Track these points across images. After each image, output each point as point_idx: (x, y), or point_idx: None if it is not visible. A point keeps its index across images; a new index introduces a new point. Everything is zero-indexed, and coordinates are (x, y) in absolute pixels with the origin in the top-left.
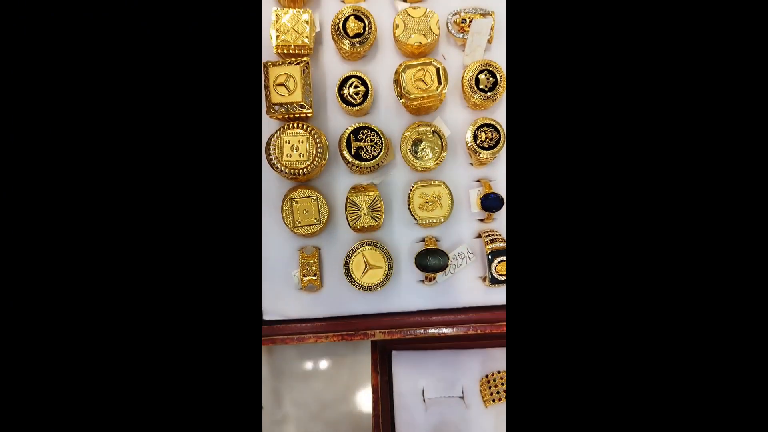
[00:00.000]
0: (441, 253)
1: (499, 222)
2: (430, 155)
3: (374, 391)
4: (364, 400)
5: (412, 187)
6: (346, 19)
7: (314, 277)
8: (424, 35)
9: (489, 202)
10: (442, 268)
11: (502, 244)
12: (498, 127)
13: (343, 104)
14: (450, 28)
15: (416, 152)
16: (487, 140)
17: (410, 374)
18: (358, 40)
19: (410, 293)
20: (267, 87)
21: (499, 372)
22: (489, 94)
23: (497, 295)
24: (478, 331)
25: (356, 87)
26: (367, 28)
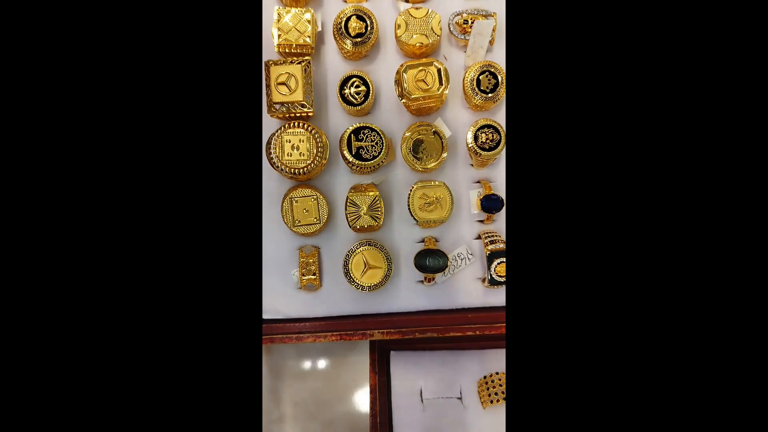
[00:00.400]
0: (440, 254)
1: (498, 223)
2: (431, 156)
3: (372, 391)
4: (361, 399)
5: (413, 187)
6: (348, 18)
7: (313, 277)
8: (425, 36)
9: (489, 204)
10: (441, 268)
11: (502, 246)
12: (499, 128)
13: (344, 104)
14: (452, 29)
15: (417, 153)
16: (488, 141)
17: (408, 374)
18: (359, 39)
19: (409, 294)
20: (268, 86)
21: (497, 373)
22: (490, 95)
23: (496, 297)
24: (477, 333)
25: (357, 87)
26: (368, 28)
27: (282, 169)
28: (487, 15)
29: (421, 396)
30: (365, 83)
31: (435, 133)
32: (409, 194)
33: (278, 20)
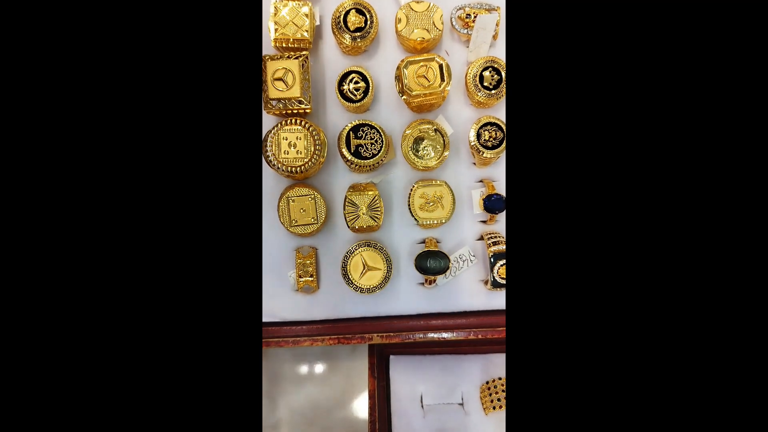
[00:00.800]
0: (442, 255)
1: (502, 224)
2: (432, 154)
3: (371, 397)
4: (360, 405)
5: (413, 186)
6: (347, 12)
7: (311, 278)
8: (427, 30)
9: (492, 203)
10: (442, 270)
11: (505, 247)
12: (502, 125)
13: (342, 100)
14: (454, 24)
15: (417, 151)
16: (491, 139)
17: (408, 379)
18: (359, 34)
19: (409, 296)
20: (265, 81)
21: (500, 378)
22: (493, 91)
23: (499, 299)
24: (479, 336)
25: (356, 83)
26: (368, 22)
27: (278, 168)
28: (490, 9)
29: (422, 402)
30: (364, 79)
31: (436, 130)
32: (410, 193)
33: (275, 14)
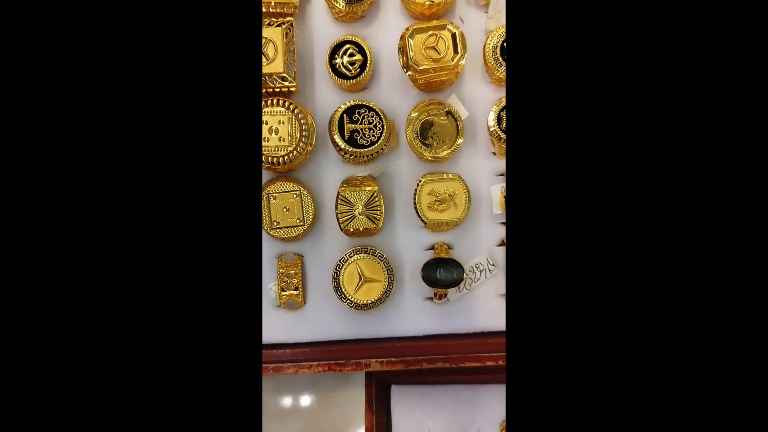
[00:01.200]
0: (454, 265)
1: None
2: (443, 142)
3: None
4: None
5: (420, 181)
6: None
7: (295, 292)
8: None
9: None
10: (455, 282)
11: None
12: None
13: (335, 77)
14: None
15: (425, 138)
16: None
17: (413, 414)
18: None
19: (415, 314)
20: None
21: None
22: None
23: None
24: (499, 363)
25: (352, 55)
26: None
27: None
28: None
29: None
30: (361, 51)
31: (448, 113)
32: (416, 190)
33: None
